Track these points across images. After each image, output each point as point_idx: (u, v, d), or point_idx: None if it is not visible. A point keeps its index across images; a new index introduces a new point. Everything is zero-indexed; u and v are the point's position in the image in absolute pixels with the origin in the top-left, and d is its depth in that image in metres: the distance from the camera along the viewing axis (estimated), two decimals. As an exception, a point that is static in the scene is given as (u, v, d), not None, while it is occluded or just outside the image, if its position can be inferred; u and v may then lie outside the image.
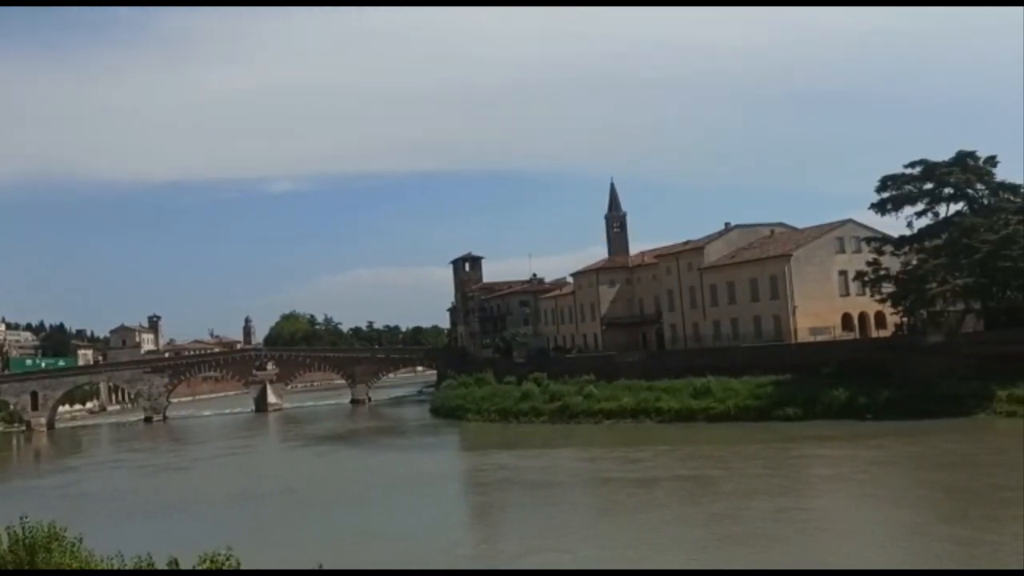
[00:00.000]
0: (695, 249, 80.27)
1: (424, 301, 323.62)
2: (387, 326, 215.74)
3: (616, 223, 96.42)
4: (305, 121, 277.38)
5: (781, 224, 79.16)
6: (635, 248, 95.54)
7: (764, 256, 73.27)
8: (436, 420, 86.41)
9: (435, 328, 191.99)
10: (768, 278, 71.28)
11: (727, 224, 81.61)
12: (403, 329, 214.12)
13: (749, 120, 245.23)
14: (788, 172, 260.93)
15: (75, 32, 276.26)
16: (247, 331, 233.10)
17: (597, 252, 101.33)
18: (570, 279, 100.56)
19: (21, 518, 22.98)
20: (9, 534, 21.59)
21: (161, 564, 17.47)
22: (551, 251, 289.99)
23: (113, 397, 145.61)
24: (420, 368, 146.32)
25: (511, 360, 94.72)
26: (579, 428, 66.54)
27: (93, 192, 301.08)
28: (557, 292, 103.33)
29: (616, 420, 66.20)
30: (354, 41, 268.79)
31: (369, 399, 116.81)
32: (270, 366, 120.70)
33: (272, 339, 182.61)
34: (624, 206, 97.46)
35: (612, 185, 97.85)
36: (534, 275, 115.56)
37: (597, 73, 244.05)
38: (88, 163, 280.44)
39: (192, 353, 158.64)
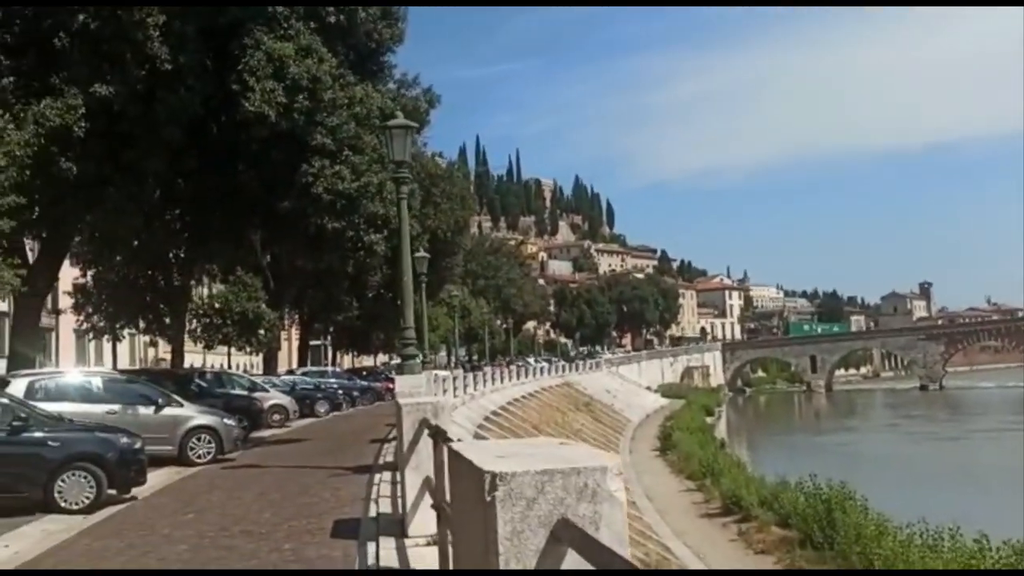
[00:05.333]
0: None
1: None
2: None
3: None
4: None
5: None
6: None
7: None
8: None
9: None
10: None
11: None
12: None
13: None
14: None
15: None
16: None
17: None
18: None
19: (810, 476, 23.81)
20: (806, 491, 22.56)
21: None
22: None
23: (886, 363, 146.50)
24: None
25: None
26: None
27: (848, 163, 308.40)
28: None
29: None
30: None
31: None
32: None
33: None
34: None
35: None
36: None
37: None
38: (842, 134, 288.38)
39: (967, 321, 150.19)
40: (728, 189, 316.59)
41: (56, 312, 39.82)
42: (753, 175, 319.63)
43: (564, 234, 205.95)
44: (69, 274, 33.02)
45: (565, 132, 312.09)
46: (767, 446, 61.24)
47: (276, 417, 26.93)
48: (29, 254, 22.03)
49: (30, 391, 15.18)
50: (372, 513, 9.97)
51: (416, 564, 7.12)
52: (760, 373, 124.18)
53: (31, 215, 18.29)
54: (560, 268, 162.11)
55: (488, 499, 2.71)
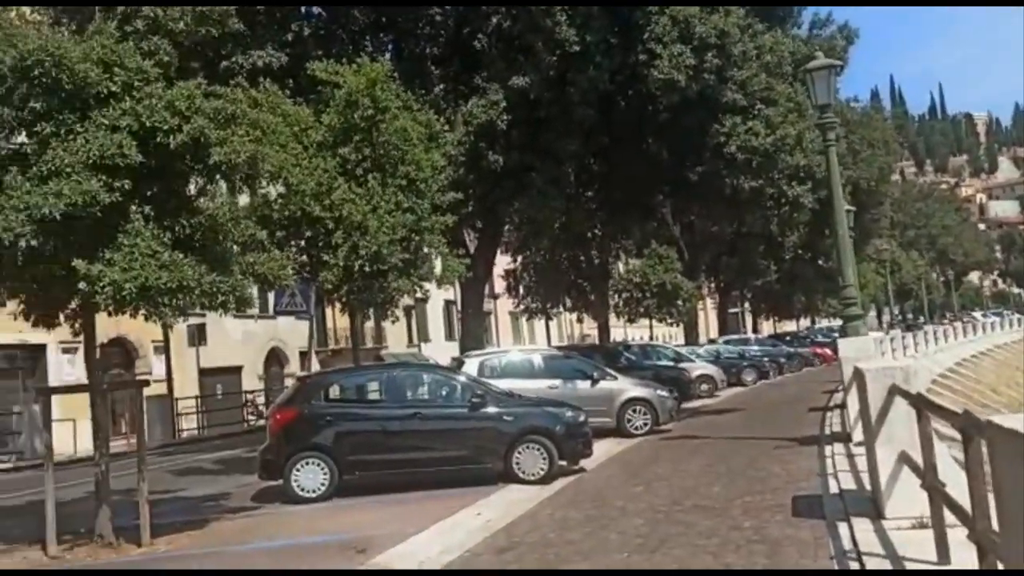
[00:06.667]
0: None
1: None
2: None
3: None
4: None
5: None
6: None
7: None
8: None
9: None
10: None
11: None
12: None
13: None
14: None
15: None
16: None
17: None
18: None
19: None
20: None
21: None
22: None
23: None
24: None
25: None
26: None
27: None
28: None
29: None
30: None
31: None
32: None
33: None
34: None
35: None
36: None
37: None
38: None
39: None
40: None
41: (493, 297, 43.68)
42: None
43: (1006, 171, 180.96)
44: (500, 261, 35.95)
45: (996, 55, 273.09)
46: None
47: (704, 387, 26.74)
48: (469, 245, 24.08)
49: (481, 369, 16.49)
50: (833, 489, 9.05)
51: (903, 550, 6.13)
52: None
53: (467, 208, 19.82)
54: (1004, 209, 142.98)
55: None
